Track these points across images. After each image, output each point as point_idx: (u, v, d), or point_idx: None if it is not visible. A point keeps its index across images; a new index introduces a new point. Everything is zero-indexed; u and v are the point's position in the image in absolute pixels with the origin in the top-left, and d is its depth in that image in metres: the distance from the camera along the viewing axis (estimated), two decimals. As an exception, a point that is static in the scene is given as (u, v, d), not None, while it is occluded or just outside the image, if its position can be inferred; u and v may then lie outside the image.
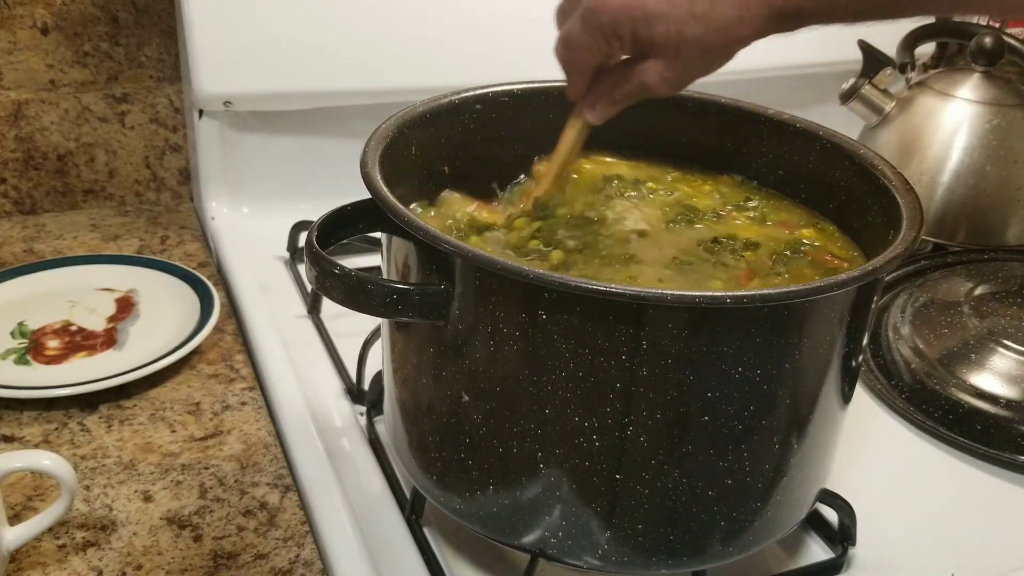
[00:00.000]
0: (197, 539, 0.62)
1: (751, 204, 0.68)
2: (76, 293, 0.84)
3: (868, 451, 0.74)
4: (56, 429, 0.70)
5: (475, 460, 0.56)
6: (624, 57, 0.58)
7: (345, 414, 0.75)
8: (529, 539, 0.56)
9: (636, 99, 0.59)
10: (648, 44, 0.55)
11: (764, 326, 0.50)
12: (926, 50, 1.16)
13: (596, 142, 0.71)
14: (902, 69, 1.06)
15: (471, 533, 0.61)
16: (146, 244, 0.96)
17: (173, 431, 0.71)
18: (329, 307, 0.84)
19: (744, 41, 0.54)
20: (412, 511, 0.64)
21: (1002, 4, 0.62)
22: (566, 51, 0.58)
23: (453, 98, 0.66)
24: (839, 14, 0.53)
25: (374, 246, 0.89)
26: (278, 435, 0.72)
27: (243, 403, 0.74)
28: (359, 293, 0.52)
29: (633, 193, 0.68)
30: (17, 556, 0.59)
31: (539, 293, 0.49)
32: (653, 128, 0.71)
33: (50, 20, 0.96)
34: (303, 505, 0.65)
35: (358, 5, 0.94)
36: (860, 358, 0.57)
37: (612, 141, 0.71)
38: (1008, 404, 0.75)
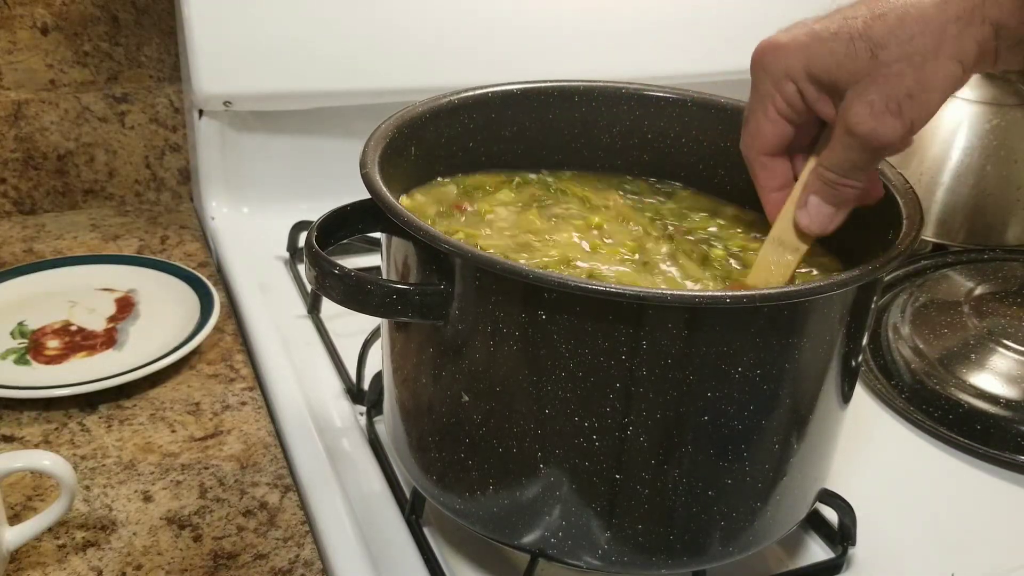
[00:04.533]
0: (197, 539, 0.62)
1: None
2: (76, 293, 0.84)
3: (868, 451, 0.74)
4: (56, 429, 0.70)
5: (475, 460, 0.56)
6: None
7: (345, 414, 0.75)
8: (529, 539, 0.56)
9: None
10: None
11: (764, 326, 0.50)
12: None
13: (591, 143, 0.71)
14: (902, 69, 1.06)
15: (471, 533, 0.61)
16: (146, 244, 0.96)
17: (173, 431, 0.71)
18: (329, 307, 0.84)
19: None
20: (412, 511, 0.64)
21: None
22: (832, 185, 0.55)
23: (453, 98, 0.66)
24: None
25: (374, 246, 0.89)
26: (278, 435, 0.72)
27: (243, 403, 0.74)
28: (359, 293, 0.52)
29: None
30: (17, 556, 0.59)
31: (539, 293, 0.49)
32: (652, 128, 0.71)
33: (50, 20, 0.96)
34: (303, 505, 0.65)
35: (358, 5, 0.94)
36: (860, 358, 0.57)
37: (610, 143, 0.71)
38: (1008, 404, 0.75)
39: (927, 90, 0.50)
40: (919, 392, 0.79)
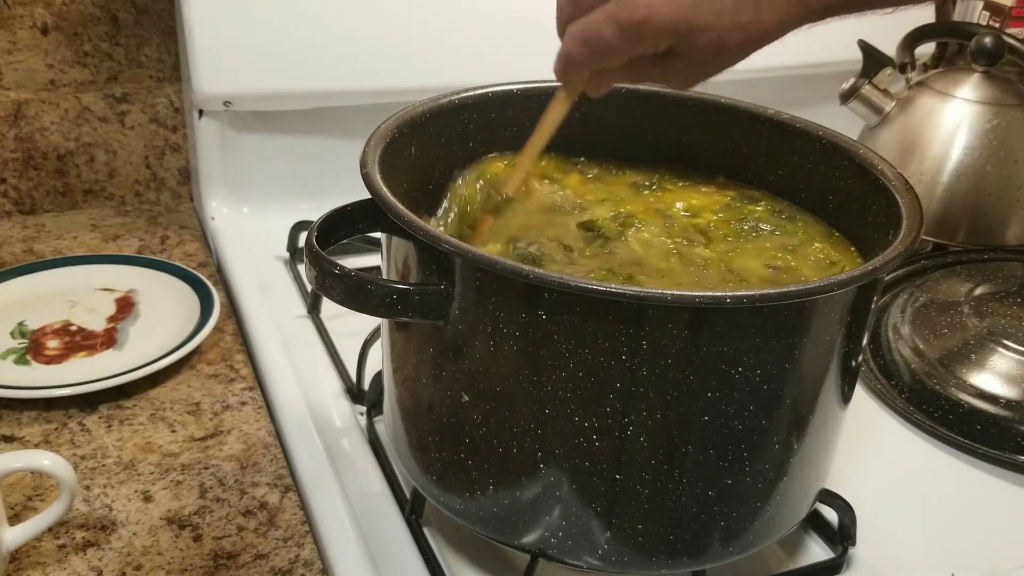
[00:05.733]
0: (197, 539, 0.62)
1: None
2: (76, 293, 0.84)
3: (868, 451, 0.74)
4: (56, 429, 0.70)
5: (475, 460, 0.56)
6: None
7: (345, 414, 0.75)
8: (529, 539, 0.56)
9: (646, 83, 0.57)
10: (684, 51, 0.53)
11: (764, 326, 0.50)
12: (926, 50, 1.16)
13: (592, 143, 0.71)
14: (902, 69, 1.06)
15: (471, 533, 0.61)
16: (146, 244, 0.96)
17: (173, 431, 0.71)
18: (329, 307, 0.84)
19: (771, 41, 0.53)
20: (412, 511, 0.64)
21: None
22: (587, 51, 0.53)
23: (453, 98, 0.66)
24: (856, 4, 0.52)
25: (374, 246, 0.89)
26: (278, 435, 0.72)
27: (243, 403, 0.74)
28: (359, 293, 0.52)
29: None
30: (17, 556, 0.59)
31: (539, 293, 0.49)
32: (652, 129, 0.71)
33: (50, 20, 0.96)
34: (303, 505, 0.65)
35: (358, 5, 0.94)
36: (860, 358, 0.57)
37: (611, 141, 0.71)
38: (1008, 404, 0.75)
39: None
40: (919, 392, 0.79)
